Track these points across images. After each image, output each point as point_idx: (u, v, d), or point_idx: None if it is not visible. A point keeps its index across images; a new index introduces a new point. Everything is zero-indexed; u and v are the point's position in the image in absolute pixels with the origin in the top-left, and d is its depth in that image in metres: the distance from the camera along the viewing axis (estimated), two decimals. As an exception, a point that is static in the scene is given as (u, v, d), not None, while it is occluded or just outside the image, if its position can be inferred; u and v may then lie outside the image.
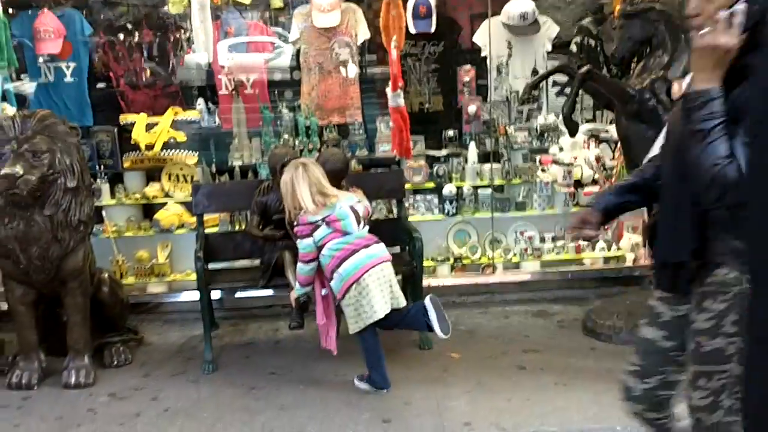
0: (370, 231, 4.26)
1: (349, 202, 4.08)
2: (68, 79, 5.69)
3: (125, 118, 5.63)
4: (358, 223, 4.05)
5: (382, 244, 4.14)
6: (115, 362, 4.66)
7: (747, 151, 1.82)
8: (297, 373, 4.46)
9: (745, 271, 1.96)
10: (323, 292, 4.21)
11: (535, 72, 5.89)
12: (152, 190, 5.61)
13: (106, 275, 4.73)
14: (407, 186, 5.49)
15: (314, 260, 4.06)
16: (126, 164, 5.69)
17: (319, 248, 4.02)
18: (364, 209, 4.22)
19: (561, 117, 4.70)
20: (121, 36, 5.87)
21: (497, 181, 5.77)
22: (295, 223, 4.08)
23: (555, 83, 6.11)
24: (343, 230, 4.00)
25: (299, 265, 4.12)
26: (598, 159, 5.68)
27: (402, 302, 4.10)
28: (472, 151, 5.80)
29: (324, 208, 4.00)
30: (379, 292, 3.96)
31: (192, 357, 4.79)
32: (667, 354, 2.28)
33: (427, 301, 4.01)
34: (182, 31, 5.85)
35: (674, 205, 2.12)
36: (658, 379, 2.32)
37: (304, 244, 4.04)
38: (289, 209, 4.08)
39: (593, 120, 6.14)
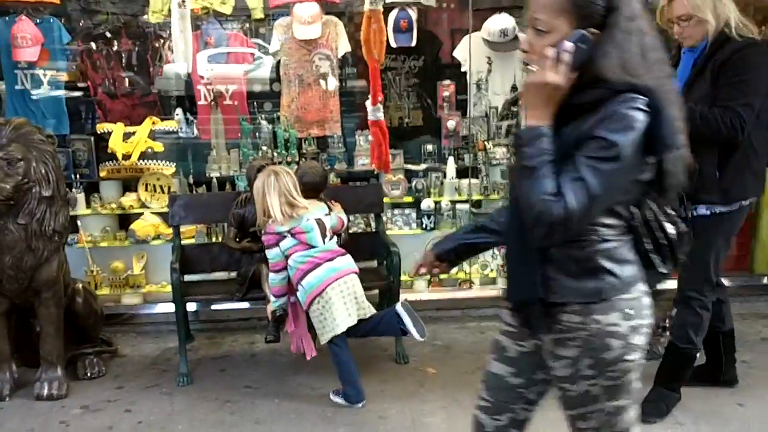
0: (347, 245, 4.27)
1: (317, 215, 4.09)
2: (45, 86, 5.63)
3: (102, 127, 5.58)
4: (324, 236, 4.07)
5: (349, 257, 4.16)
6: (89, 374, 4.60)
7: (575, 187, 1.78)
8: (272, 386, 4.44)
9: (588, 312, 1.94)
10: (292, 299, 4.22)
11: (514, 88, 5.91)
12: (128, 200, 5.56)
13: (81, 286, 4.68)
14: (385, 200, 5.48)
15: (284, 269, 4.09)
16: (102, 174, 5.63)
17: (287, 257, 4.04)
18: (337, 221, 4.25)
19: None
20: (100, 44, 5.83)
21: (475, 197, 5.78)
22: (262, 232, 4.09)
23: (534, 100, 6.12)
24: (308, 243, 4.02)
25: (270, 274, 4.14)
26: (574, 176, 5.71)
27: (370, 312, 4.12)
28: (451, 166, 5.81)
29: (291, 219, 4.01)
30: (342, 305, 3.98)
31: (166, 369, 4.75)
32: (516, 390, 2.22)
33: (399, 308, 4.03)
34: (161, 40, 5.81)
35: (516, 244, 2.05)
36: (509, 416, 2.25)
37: (272, 254, 4.07)
38: (258, 215, 4.10)
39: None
